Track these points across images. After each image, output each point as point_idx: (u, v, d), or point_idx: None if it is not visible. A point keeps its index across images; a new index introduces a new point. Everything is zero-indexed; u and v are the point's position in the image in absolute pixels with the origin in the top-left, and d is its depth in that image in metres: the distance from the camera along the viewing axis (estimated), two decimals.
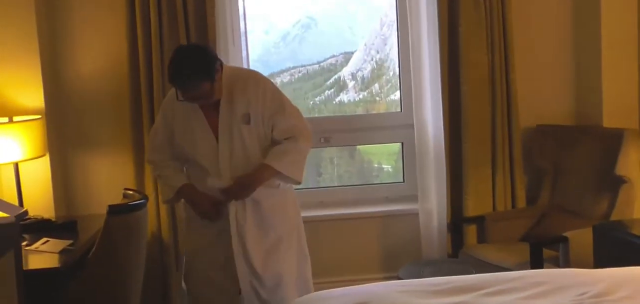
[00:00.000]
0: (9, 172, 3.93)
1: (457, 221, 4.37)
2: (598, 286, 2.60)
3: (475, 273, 3.31)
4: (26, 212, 3.69)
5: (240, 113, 3.17)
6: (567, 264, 3.58)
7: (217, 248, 3.28)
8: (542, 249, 3.68)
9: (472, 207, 4.34)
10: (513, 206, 4.40)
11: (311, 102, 5.09)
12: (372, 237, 4.60)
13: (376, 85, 5.11)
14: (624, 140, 3.97)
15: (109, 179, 4.35)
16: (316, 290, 3.19)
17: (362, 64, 5.13)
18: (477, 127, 4.32)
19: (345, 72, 5.13)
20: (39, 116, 3.95)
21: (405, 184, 4.76)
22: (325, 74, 5.15)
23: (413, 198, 4.63)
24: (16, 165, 3.85)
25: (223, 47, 4.20)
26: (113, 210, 3.23)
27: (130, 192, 3.68)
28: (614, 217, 3.93)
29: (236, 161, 3.18)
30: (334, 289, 2.90)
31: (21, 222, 3.34)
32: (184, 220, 3.55)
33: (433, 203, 4.40)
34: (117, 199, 3.62)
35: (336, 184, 5.05)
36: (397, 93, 4.84)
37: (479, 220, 4.30)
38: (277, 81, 4.87)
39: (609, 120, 4.31)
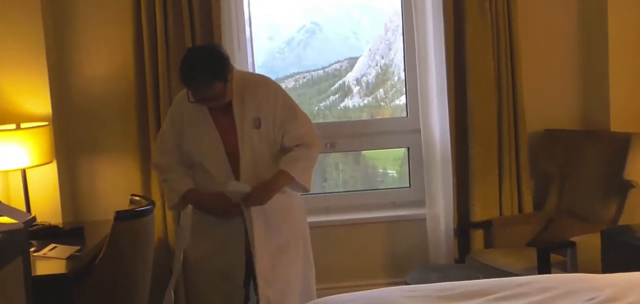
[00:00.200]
0: (17, 179, 3.94)
1: (463, 226, 4.36)
2: (607, 291, 2.59)
3: (483, 278, 3.31)
4: (34, 218, 3.69)
5: (250, 117, 3.16)
6: (574, 269, 3.57)
7: (223, 255, 3.25)
8: (550, 254, 3.67)
9: (479, 212, 4.33)
10: (520, 211, 4.39)
11: (316, 108, 5.09)
12: (378, 242, 4.60)
13: (381, 90, 5.11)
14: (632, 144, 3.95)
15: (115, 185, 4.36)
16: (323, 296, 3.18)
17: (367, 70, 5.13)
18: (484, 132, 4.32)
19: (349, 78, 5.13)
20: (46, 123, 3.97)
21: (412, 189, 4.76)
22: (329, 79, 5.15)
23: (419, 203, 4.63)
24: (24, 171, 3.86)
25: (229, 52, 4.20)
26: (120, 216, 3.23)
27: (137, 198, 3.69)
28: (622, 221, 3.91)
29: (245, 166, 3.16)
30: (340, 295, 2.89)
31: (29, 229, 3.34)
32: (188, 228, 3.47)
33: (440, 208, 4.40)
34: (124, 205, 3.61)
35: (341, 190, 5.05)
36: (402, 98, 4.84)
37: (486, 225, 4.29)
38: (282, 86, 4.87)
39: (617, 124, 4.30)
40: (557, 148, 4.40)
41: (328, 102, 5.10)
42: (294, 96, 4.73)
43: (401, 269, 4.39)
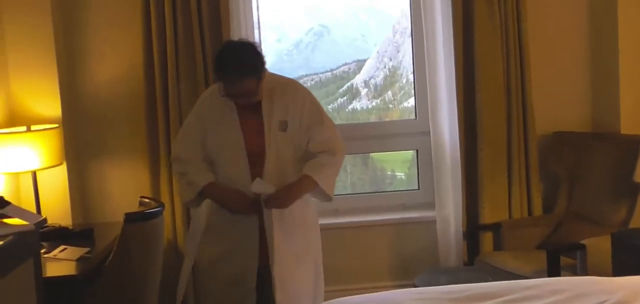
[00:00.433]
0: (27, 181, 3.95)
1: (473, 228, 4.35)
2: (617, 295, 2.58)
3: (492, 281, 3.30)
4: (45, 220, 3.72)
5: (277, 119, 3.14)
6: (584, 272, 3.56)
7: (235, 258, 3.21)
8: (560, 257, 3.66)
9: (488, 214, 4.32)
10: (529, 214, 4.38)
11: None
12: (386, 245, 4.60)
13: (389, 92, 5.11)
14: None
15: (125, 187, 4.37)
16: (331, 298, 3.18)
17: (375, 72, 5.13)
18: (493, 134, 4.31)
19: (357, 80, 5.13)
20: (56, 125, 3.98)
21: (420, 191, 4.75)
22: (337, 81, 5.16)
23: (428, 205, 4.63)
24: (34, 173, 3.87)
25: None
26: (129, 218, 3.24)
27: (146, 200, 3.70)
28: (632, 224, 3.90)
29: (270, 167, 3.13)
30: (349, 297, 2.89)
31: (40, 230, 3.35)
32: (199, 231, 3.40)
33: (450, 210, 4.39)
34: (133, 207, 3.62)
35: (350, 192, 5.04)
36: (411, 100, 4.84)
37: (495, 227, 4.28)
38: None
39: (627, 126, 4.28)
40: (567, 151, 4.39)
41: (336, 105, 5.10)
42: None
43: (409, 272, 4.38)
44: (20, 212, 3.07)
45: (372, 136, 4.78)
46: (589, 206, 4.16)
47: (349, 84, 5.14)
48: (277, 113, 3.14)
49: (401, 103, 5.06)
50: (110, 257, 3.30)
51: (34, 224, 2.70)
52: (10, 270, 2.31)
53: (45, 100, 4.10)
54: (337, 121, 5.06)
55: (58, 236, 3.66)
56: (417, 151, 4.76)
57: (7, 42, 4.05)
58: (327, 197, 3.27)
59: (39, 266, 2.57)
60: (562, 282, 2.90)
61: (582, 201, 4.23)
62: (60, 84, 4.14)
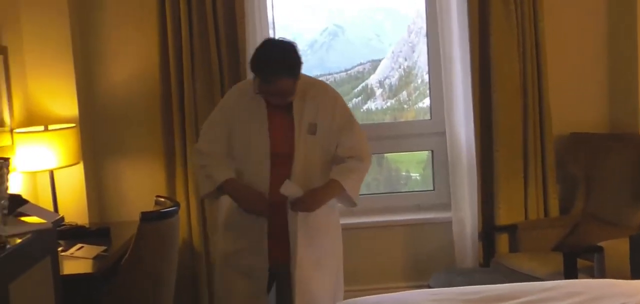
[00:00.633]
0: (45, 180, 3.98)
1: (488, 229, 4.34)
2: (636, 298, 2.56)
3: (507, 283, 3.29)
4: (62, 218, 3.74)
5: (307, 122, 3.11)
6: (602, 274, 3.53)
7: (248, 256, 3.19)
8: (576, 259, 3.64)
9: (504, 215, 4.31)
10: (546, 215, 4.36)
11: None
12: (401, 245, 4.59)
13: (404, 93, 5.10)
14: None
15: (141, 186, 4.39)
16: (346, 298, 3.18)
17: (390, 72, 5.12)
18: (509, 135, 4.29)
19: (372, 80, 5.13)
20: (74, 125, 4.01)
21: (435, 192, 4.74)
22: (352, 81, 5.15)
23: (443, 206, 4.62)
24: (51, 172, 3.90)
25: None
26: (145, 217, 3.26)
27: (162, 199, 3.71)
28: None
29: (299, 169, 3.10)
30: (365, 298, 2.90)
31: (57, 229, 3.37)
32: (219, 225, 3.42)
33: (466, 211, 4.38)
34: (149, 206, 3.63)
35: (365, 193, 5.04)
36: (426, 101, 4.83)
37: (511, 229, 4.27)
38: None
39: None
40: (584, 151, 4.36)
41: (351, 105, 5.07)
42: None
43: (424, 273, 4.37)
44: (38, 211, 3.09)
45: (387, 136, 4.77)
46: (607, 208, 4.14)
47: (363, 84, 5.13)
48: (307, 115, 3.12)
49: (416, 103, 5.05)
50: (126, 256, 3.32)
51: (52, 223, 2.72)
52: (29, 268, 2.34)
53: (62, 100, 4.13)
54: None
55: (75, 234, 3.68)
56: (432, 151, 4.75)
57: (24, 42, 4.09)
58: (352, 203, 3.24)
59: (56, 264, 2.59)
60: (579, 284, 2.88)
61: (600, 202, 4.21)
62: (77, 84, 4.17)
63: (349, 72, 5.16)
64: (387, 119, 5.11)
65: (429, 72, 4.69)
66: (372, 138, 4.65)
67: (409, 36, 5.05)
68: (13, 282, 2.19)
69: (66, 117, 4.11)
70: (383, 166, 5.18)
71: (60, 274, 2.70)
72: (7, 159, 2.42)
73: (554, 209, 4.36)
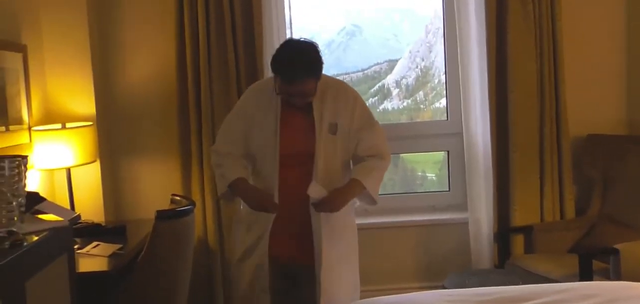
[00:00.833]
0: (62, 177, 4.03)
1: (504, 231, 4.32)
2: None
3: (522, 284, 3.27)
4: (79, 216, 3.78)
5: (327, 122, 3.10)
6: (617, 277, 3.50)
7: (252, 257, 3.18)
8: (592, 261, 3.61)
9: (520, 217, 4.29)
10: (561, 217, 4.34)
11: None
12: (416, 246, 4.58)
13: (421, 93, 5.09)
14: None
15: (156, 184, 4.43)
16: (361, 298, 3.19)
17: (407, 72, 5.11)
18: (525, 136, 4.28)
19: (389, 80, 5.12)
20: (91, 123, 4.04)
21: (451, 192, 4.73)
22: (369, 81, 5.15)
23: (458, 207, 4.61)
24: (68, 170, 3.94)
25: (270, 54, 4.22)
26: (161, 215, 3.25)
27: (178, 197, 3.70)
28: None
29: (320, 169, 3.08)
30: (380, 298, 2.90)
31: (73, 226, 3.40)
32: (236, 223, 3.41)
33: (482, 212, 4.37)
34: (165, 205, 3.64)
35: (380, 193, 5.02)
36: (442, 101, 4.81)
37: (527, 230, 4.25)
38: None
39: None
40: (601, 153, 4.34)
41: (367, 105, 5.08)
42: None
43: (439, 274, 4.37)
44: (55, 209, 3.13)
45: (403, 136, 4.76)
46: (623, 210, 4.10)
47: (380, 84, 5.13)
48: (327, 115, 3.10)
49: (433, 104, 5.03)
50: (142, 254, 3.32)
51: (68, 221, 2.74)
52: (45, 265, 2.35)
53: (80, 98, 4.17)
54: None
55: (91, 232, 3.71)
56: (448, 152, 4.74)
57: (44, 41, 4.13)
58: (373, 201, 3.23)
59: (72, 262, 2.60)
60: (594, 287, 2.86)
61: (616, 204, 4.18)
62: (95, 83, 4.21)
63: (365, 72, 5.15)
64: (404, 119, 5.10)
65: (446, 73, 4.68)
66: (389, 138, 4.56)
67: (426, 36, 5.04)
68: (29, 280, 2.20)
69: (84, 116, 4.14)
70: (399, 166, 5.17)
71: (76, 272, 2.71)
72: (25, 157, 2.43)
73: (570, 211, 4.34)
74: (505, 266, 4.20)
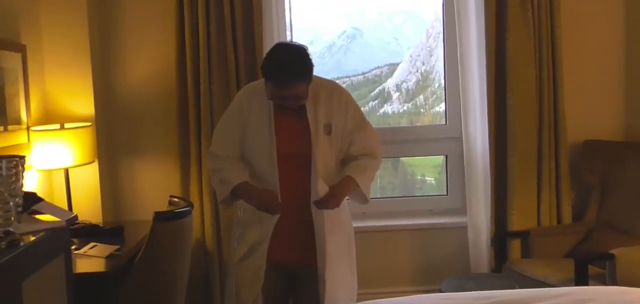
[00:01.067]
0: (60, 178, 4.03)
1: (501, 235, 4.33)
2: None
3: (519, 288, 3.27)
4: (76, 217, 3.76)
5: (322, 123, 3.10)
6: (613, 282, 3.51)
7: (254, 256, 3.17)
8: (588, 266, 3.62)
9: (517, 221, 4.30)
10: (558, 222, 4.35)
11: None
12: (414, 249, 4.59)
13: (421, 97, 5.09)
14: None
15: (155, 186, 4.43)
16: (359, 301, 3.19)
17: (407, 76, 5.11)
18: (524, 141, 4.29)
19: (389, 84, 5.12)
20: (89, 123, 4.05)
21: (449, 196, 4.73)
22: (369, 85, 5.15)
23: (456, 211, 4.62)
24: (66, 171, 3.94)
25: None
26: (159, 217, 3.26)
27: (176, 199, 3.72)
28: None
29: (320, 170, 3.08)
30: (376, 301, 2.89)
31: (71, 227, 3.40)
32: (236, 225, 3.36)
33: (481, 217, 4.37)
34: (163, 206, 3.66)
35: (379, 196, 5.04)
36: (442, 105, 4.82)
37: (524, 235, 4.25)
38: None
39: None
40: (598, 159, 4.35)
41: (367, 108, 5.09)
42: None
43: (436, 277, 4.37)
44: (52, 209, 3.12)
45: (402, 140, 4.77)
46: (620, 216, 4.11)
47: (380, 87, 5.13)
48: (322, 116, 3.11)
49: (433, 108, 5.03)
50: (140, 255, 3.33)
51: (65, 221, 2.74)
52: (42, 266, 2.35)
53: (79, 98, 4.17)
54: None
55: (88, 233, 3.71)
56: (446, 156, 4.74)
57: (43, 41, 4.14)
58: (364, 200, 3.24)
59: (69, 263, 2.60)
60: (590, 291, 2.86)
61: (613, 210, 4.18)
62: (94, 83, 4.21)
63: (366, 75, 5.16)
64: (404, 122, 5.10)
65: (445, 77, 4.68)
66: (388, 142, 4.66)
67: (427, 40, 5.04)
68: (26, 280, 2.21)
69: (82, 116, 4.15)
70: (398, 169, 5.18)
71: (73, 272, 2.70)
72: (22, 157, 2.44)
73: (567, 216, 4.35)
74: (502, 271, 4.21)
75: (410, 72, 5.11)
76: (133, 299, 3.33)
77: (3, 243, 2.18)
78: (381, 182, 5.15)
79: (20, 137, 3.78)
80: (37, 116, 4.03)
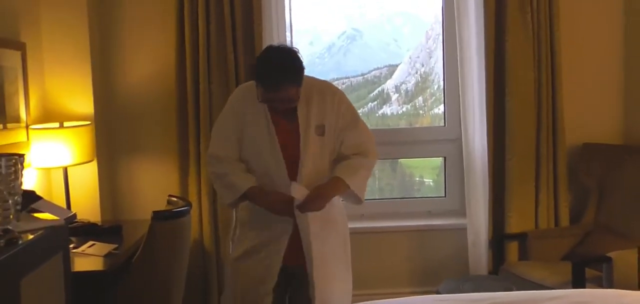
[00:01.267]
0: (59, 176, 4.03)
1: (498, 237, 4.33)
2: None
3: (516, 290, 3.28)
4: (75, 215, 3.77)
5: (314, 124, 3.08)
6: (610, 284, 3.52)
7: (262, 257, 3.14)
8: (585, 269, 3.63)
9: (515, 224, 4.31)
10: (556, 224, 4.36)
11: None
12: (411, 251, 4.59)
13: (420, 98, 5.09)
14: None
15: (154, 185, 4.43)
16: (356, 302, 3.20)
17: (407, 77, 5.12)
18: (522, 144, 4.29)
19: (389, 85, 5.13)
20: (89, 122, 4.05)
21: (447, 198, 4.74)
22: (368, 86, 5.15)
23: (454, 213, 4.63)
24: (65, 169, 3.95)
25: None
26: (157, 216, 3.27)
27: (175, 199, 3.72)
28: None
29: (307, 173, 3.07)
30: (374, 302, 2.90)
31: (69, 226, 3.40)
32: (238, 222, 3.31)
33: (480, 219, 4.37)
34: (162, 206, 3.65)
35: (377, 197, 5.05)
36: (441, 107, 4.82)
37: (521, 237, 4.26)
38: None
39: None
40: (597, 162, 4.35)
41: (366, 109, 5.10)
42: None
43: (433, 279, 4.38)
44: (51, 207, 3.13)
45: (401, 141, 4.77)
46: (618, 219, 4.12)
47: (379, 88, 5.13)
48: (314, 117, 3.09)
49: (432, 109, 5.04)
50: (138, 254, 3.33)
51: (64, 220, 2.75)
52: (40, 264, 2.36)
53: (78, 97, 4.18)
54: (367, 126, 5.04)
55: (87, 231, 3.72)
56: (444, 158, 4.75)
57: (43, 39, 4.14)
58: (358, 200, 3.20)
59: (67, 261, 2.60)
60: (586, 294, 2.87)
61: (611, 213, 4.19)
62: (94, 82, 4.22)
63: (365, 76, 5.16)
64: (403, 124, 5.10)
65: (445, 79, 4.69)
66: (386, 143, 4.69)
67: (427, 42, 5.05)
68: (24, 278, 2.21)
69: (82, 115, 4.15)
70: (397, 171, 5.18)
71: (71, 271, 2.71)
72: (21, 155, 2.44)
73: (565, 219, 4.35)
74: (499, 273, 4.22)
75: (410, 74, 5.11)
76: (131, 298, 3.33)
77: (2, 240, 2.18)
78: (379, 184, 5.15)
79: (19, 136, 3.78)
80: (37, 115, 4.03)
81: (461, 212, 4.56)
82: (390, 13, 5.10)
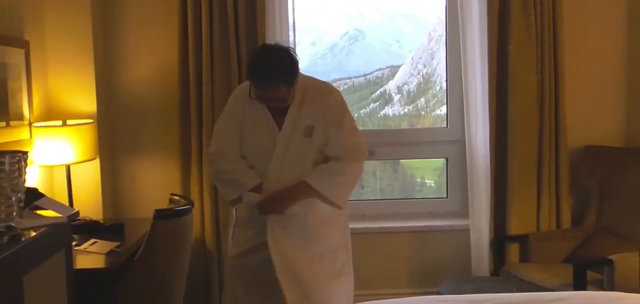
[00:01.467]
0: (61, 174, 4.04)
1: (500, 239, 4.33)
2: None
3: (517, 292, 3.28)
4: (77, 213, 3.79)
5: (303, 125, 3.08)
6: (611, 287, 3.52)
7: (257, 254, 3.17)
8: (586, 271, 3.62)
9: (516, 225, 4.30)
10: (557, 227, 4.35)
11: (356, 115, 5.08)
12: (413, 252, 4.59)
13: (422, 99, 5.09)
14: None
15: (156, 183, 4.44)
16: (358, 302, 3.20)
17: (409, 78, 5.12)
18: (524, 146, 4.29)
19: (391, 86, 5.13)
20: (91, 120, 4.06)
21: (448, 199, 4.74)
22: (371, 86, 5.16)
23: (455, 214, 4.63)
24: (68, 167, 3.95)
25: None
26: (159, 214, 3.27)
27: (177, 197, 3.72)
28: None
29: (286, 173, 3.08)
30: (376, 302, 2.90)
31: (71, 223, 3.40)
32: (238, 220, 3.34)
33: (482, 220, 4.37)
34: (164, 204, 3.65)
35: (379, 198, 5.05)
36: (443, 108, 4.82)
37: (523, 239, 4.26)
38: None
39: None
40: (599, 165, 4.35)
41: (368, 110, 5.10)
42: None
43: (435, 280, 4.38)
44: (54, 205, 3.14)
45: (403, 142, 4.77)
46: (619, 222, 4.12)
47: (382, 89, 5.14)
48: (305, 118, 3.09)
49: (434, 111, 5.04)
50: (140, 252, 3.34)
51: (66, 217, 2.76)
52: (43, 261, 2.36)
53: (81, 95, 4.19)
54: (369, 126, 5.06)
55: (89, 229, 3.72)
56: (446, 159, 4.75)
57: (46, 37, 4.15)
58: (336, 206, 3.17)
59: (70, 258, 2.61)
60: (587, 296, 2.87)
61: (612, 216, 4.19)
62: (97, 81, 4.22)
63: (367, 76, 5.16)
64: (404, 125, 5.10)
65: (447, 80, 4.69)
66: (388, 144, 4.70)
67: (429, 43, 5.05)
68: (27, 274, 2.22)
69: (84, 113, 4.16)
70: (398, 171, 5.18)
71: (73, 268, 2.72)
72: (25, 153, 2.45)
73: (566, 221, 4.35)
74: (500, 274, 4.21)
75: (412, 75, 5.12)
76: (133, 296, 3.34)
77: (5, 237, 2.19)
78: (381, 184, 5.16)
79: (22, 133, 3.79)
80: (40, 112, 4.04)
81: (463, 213, 4.56)
82: (392, 14, 5.10)
